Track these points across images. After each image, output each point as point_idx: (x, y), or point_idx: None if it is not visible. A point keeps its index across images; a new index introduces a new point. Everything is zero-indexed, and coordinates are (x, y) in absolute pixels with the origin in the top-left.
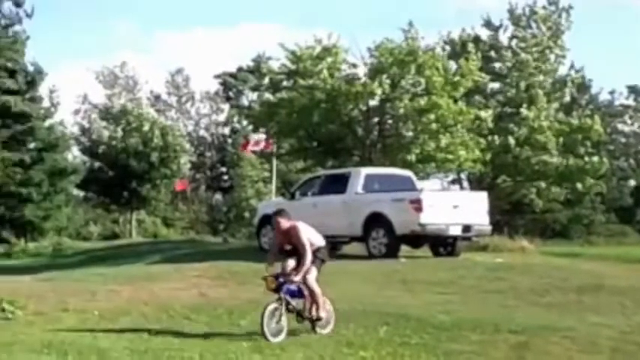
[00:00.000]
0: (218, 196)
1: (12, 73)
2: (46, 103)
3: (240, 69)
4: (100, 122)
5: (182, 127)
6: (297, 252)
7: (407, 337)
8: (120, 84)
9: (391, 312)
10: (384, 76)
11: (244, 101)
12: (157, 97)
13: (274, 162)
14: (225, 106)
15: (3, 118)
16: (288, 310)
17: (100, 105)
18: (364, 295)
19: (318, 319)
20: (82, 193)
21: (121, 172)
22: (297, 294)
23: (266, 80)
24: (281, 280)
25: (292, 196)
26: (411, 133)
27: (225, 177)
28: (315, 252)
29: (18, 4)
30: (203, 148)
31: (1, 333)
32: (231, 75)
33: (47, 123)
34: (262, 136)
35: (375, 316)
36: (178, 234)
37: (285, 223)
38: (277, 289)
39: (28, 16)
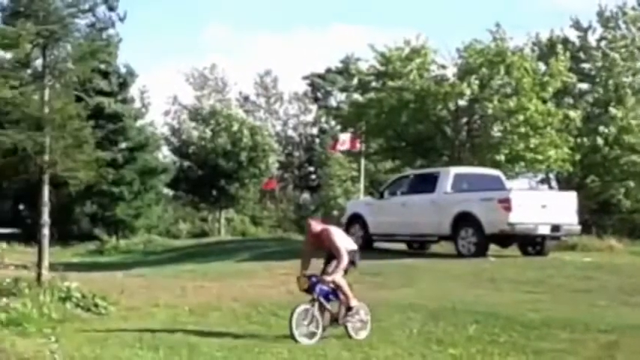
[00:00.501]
0: (306, 195)
1: (105, 75)
2: (137, 104)
3: (328, 70)
4: (189, 123)
5: (270, 127)
6: (332, 256)
7: (496, 335)
8: (209, 85)
9: (480, 310)
10: (473, 76)
11: (332, 102)
12: (246, 98)
13: (362, 161)
14: (313, 107)
15: (97, 118)
16: (322, 312)
17: (189, 106)
18: (453, 293)
19: (349, 308)
20: (171, 192)
21: (210, 171)
22: (332, 296)
23: (355, 81)
24: (314, 279)
25: (381, 196)
26: (499, 133)
27: (313, 176)
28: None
29: (111, 9)
30: (291, 147)
31: (96, 327)
32: (320, 76)
33: (138, 123)
34: (349, 136)
35: (464, 314)
36: (266, 232)
37: (316, 227)
38: (310, 290)
39: (121, 19)
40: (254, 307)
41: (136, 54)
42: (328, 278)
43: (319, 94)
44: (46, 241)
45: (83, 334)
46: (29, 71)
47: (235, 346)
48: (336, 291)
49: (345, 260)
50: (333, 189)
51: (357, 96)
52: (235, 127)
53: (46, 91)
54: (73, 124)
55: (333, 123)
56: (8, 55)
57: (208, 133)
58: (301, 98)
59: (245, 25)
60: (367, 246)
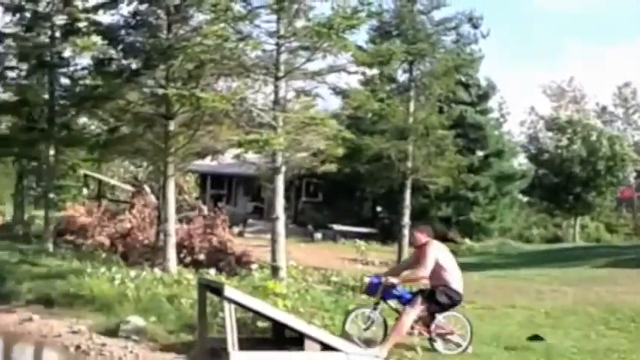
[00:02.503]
0: None
1: (466, 87)
2: (495, 115)
3: None
4: (545, 132)
5: (630, 137)
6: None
7: None
8: (567, 97)
9: None
10: None
11: None
12: (604, 109)
13: None
14: None
15: (458, 127)
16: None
17: (546, 116)
18: None
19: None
20: (525, 198)
21: (565, 178)
22: (400, 298)
23: None
24: (375, 280)
25: None
26: None
27: None
28: (444, 289)
29: (475, 27)
30: None
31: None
32: None
33: (496, 132)
34: None
35: None
36: (621, 240)
37: (421, 238)
38: (370, 290)
39: (484, 36)
40: (612, 312)
41: (495, 67)
42: (394, 280)
43: None
44: (405, 241)
45: None
46: (395, 85)
47: (593, 350)
48: (405, 296)
49: (421, 272)
50: None
51: None
52: (594, 137)
53: (411, 103)
54: (436, 132)
55: None
56: (374, 71)
57: (564, 142)
58: None
59: (605, 39)
60: None
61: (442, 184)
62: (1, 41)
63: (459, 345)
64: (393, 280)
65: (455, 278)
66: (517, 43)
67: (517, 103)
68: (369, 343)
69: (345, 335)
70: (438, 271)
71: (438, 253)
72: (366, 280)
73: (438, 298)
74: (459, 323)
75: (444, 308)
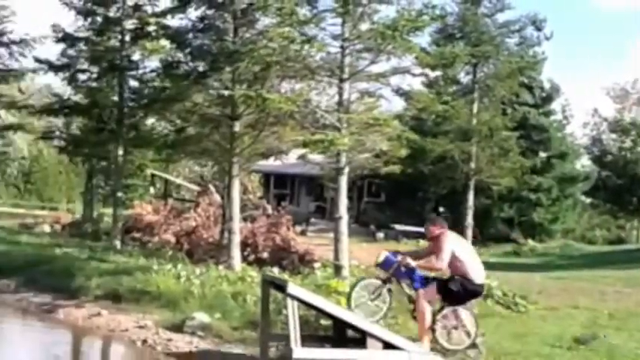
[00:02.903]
0: None
1: (529, 89)
2: (559, 117)
3: None
4: (609, 134)
5: None
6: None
7: None
8: (631, 99)
9: None
10: None
11: None
12: None
13: None
14: None
15: (521, 129)
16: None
17: (609, 118)
18: None
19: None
20: (588, 200)
21: (629, 180)
22: (413, 280)
23: None
24: (391, 256)
25: None
26: None
27: None
28: (459, 279)
29: (538, 29)
30: None
31: (515, 324)
32: None
33: (559, 134)
34: None
35: None
36: None
37: (434, 230)
38: (384, 265)
39: (547, 38)
40: None
41: (560, 70)
42: (410, 261)
43: None
44: (468, 241)
45: (503, 329)
46: (458, 87)
47: None
48: (418, 279)
49: (438, 263)
50: None
51: None
52: None
53: (475, 105)
54: (500, 134)
55: None
56: (437, 73)
57: (628, 144)
58: None
59: None
60: None
61: (505, 184)
62: (74, 45)
63: (461, 341)
64: (410, 261)
65: (472, 269)
66: (578, 44)
67: (580, 105)
68: (372, 314)
69: (349, 302)
70: (454, 262)
71: (453, 244)
72: (383, 254)
73: (451, 287)
74: (467, 320)
75: (459, 299)
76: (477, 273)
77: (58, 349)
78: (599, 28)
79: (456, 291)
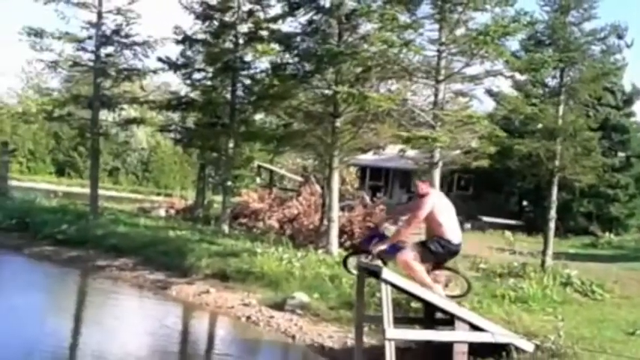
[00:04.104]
0: None
1: (612, 92)
2: (638, 119)
3: None
4: None
5: None
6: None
7: None
8: None
9: None
10: None
11: None
12: None
13: None
14: None
15: (603, 130)
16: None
17: None
18: None
19: None
20: None
21: None
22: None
23: None
24: (366, 242)
25: None
26: None
27: None
28: (437, 239)
29: (620, 37)
30: None
31: (592, 311)
32: None
33: (638, 135)
34: None
35: None
36: None
37: (423, 188)
38: (363, 247)
39: (628, 46)
40: None
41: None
42: (389, 225)
43: None
44: (551, 233)
45: (580, 315)
46: (546, 90)
47: None
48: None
49: (411, 221)
50: None
51: None
52: None
53: (560, 107)
54: (583, 134)
55: None
56: (524, 77)
57: None
58: None
59: None
60: None
61: (587, 182)
62: (192, 46)
63: (457, 289)
64: (388, 224)
65: (450, 229)
66: None
67: None
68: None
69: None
70: (432, 225)
71: (435, 201)
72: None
73: (429, 246)
74: (457, 281)
75: (438, 258)
76: (454, 234)
77: (169, 320)
78: None
79: (435, 250)
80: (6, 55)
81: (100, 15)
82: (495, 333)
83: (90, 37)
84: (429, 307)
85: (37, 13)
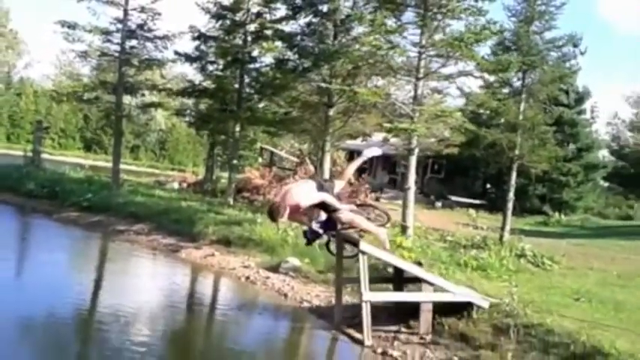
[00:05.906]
0: None
1: (566, 93)
2: (587, 116)
3: None
4: (626, 132)
5: None
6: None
7: None
8: None
9: None
10: None
11: None
12: None
13: None
14: None
15: (557, 125)
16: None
17: (626, 120)
18: None
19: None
20: (606, 184)
21: None
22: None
23: None
24: (309, 234)
25: None
26: None
27: None
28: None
29: (575, 45)
30: None
31: (542, 279)
32: None
33: (587, 130)
34: None
35: None
36: None
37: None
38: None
39: (582, 53)
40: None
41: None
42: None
43: None
44: (509, 212)
45: (532, 283)
46: (510, 89)
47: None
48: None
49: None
50: None
51: None
52: None
53: (522, 104)
54: (540, 128)
55: None
56: (492, 77)
57: None
58: None
59: None
60: None
61: (542, 169)
62: (206, 42)
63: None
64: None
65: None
66: (604, 58)
67: (604, 109)
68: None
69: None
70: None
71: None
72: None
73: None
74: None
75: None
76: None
77: (178, 278)
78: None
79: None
80: (42, 44)
81: (126, 12)
82: (455, 292)
83: (117, 31)
84: (400, 272)
85: (71, 9)
